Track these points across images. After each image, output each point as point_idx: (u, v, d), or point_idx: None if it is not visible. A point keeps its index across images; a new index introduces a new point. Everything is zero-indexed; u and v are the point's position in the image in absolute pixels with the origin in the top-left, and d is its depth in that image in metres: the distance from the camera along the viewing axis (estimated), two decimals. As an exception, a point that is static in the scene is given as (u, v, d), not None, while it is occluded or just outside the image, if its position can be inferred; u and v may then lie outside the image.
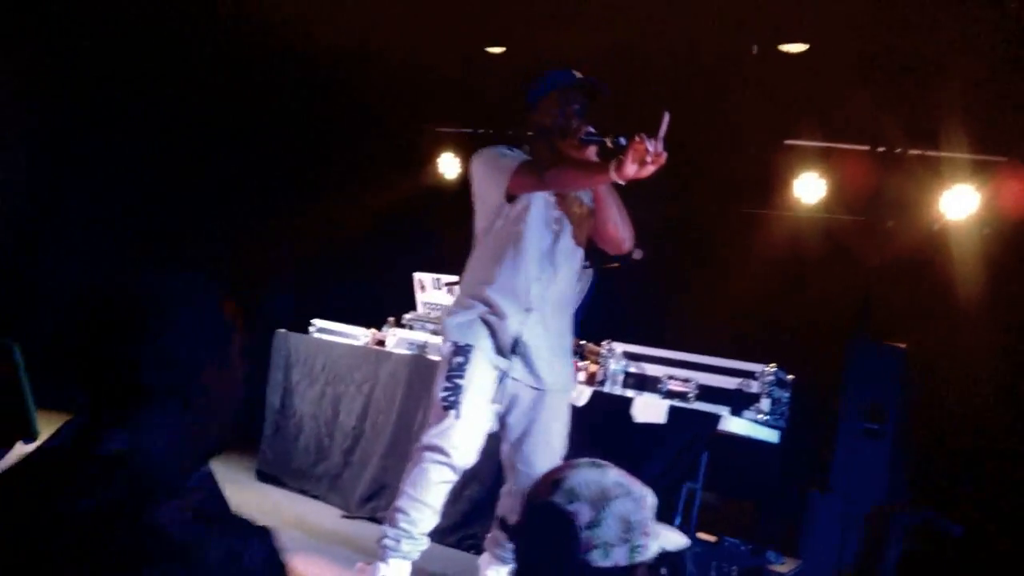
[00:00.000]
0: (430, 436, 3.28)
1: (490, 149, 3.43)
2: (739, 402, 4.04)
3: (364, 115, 7.24)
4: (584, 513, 1.69)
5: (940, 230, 5.86)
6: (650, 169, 2.86)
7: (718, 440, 3.91)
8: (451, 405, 3.25)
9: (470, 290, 3.41)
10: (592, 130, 3.23)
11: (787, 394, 4.20)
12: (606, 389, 4.29)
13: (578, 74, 3.38)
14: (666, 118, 2.82)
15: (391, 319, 5.42)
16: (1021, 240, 5.48)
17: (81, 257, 6.95)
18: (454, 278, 5.21)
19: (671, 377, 4.18)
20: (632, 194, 3.18)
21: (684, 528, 3.80)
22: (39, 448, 1.92)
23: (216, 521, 1.11)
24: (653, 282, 5.99)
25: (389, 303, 5.60)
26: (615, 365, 4.34)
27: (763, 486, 4.68)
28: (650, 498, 1.78)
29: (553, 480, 1.76)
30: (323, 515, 4.84)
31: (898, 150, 5.96)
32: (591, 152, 3.26)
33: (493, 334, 3.32)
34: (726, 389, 4.09)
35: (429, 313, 5.37)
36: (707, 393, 4.11)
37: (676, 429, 3.92)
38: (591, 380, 4.34)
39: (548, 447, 3.34)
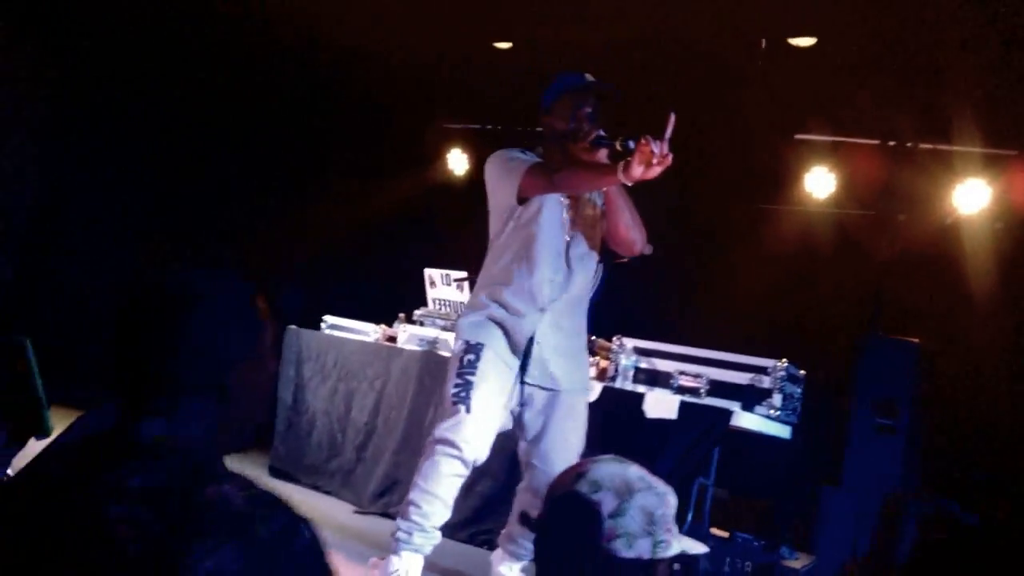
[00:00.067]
0: (441, 430, 3.31)
1: (503, 152, 3.45)
2: (751, 398, 4.03)
3: (374, 111, 7.24)
4: (608, 502, 1.69)
5: (952, 224, 5.84)
6: (657, 170, 2.90)
7: (730, 436, 3.90)
8: (461, 400, 3.27)
9: (484, 291, 3.44)
10: (603, 133, 3.26)
11: (799, 389, 4.19)
12: (617, 385, 4.30)
13: (590, 77, 3.41)
14: (671, 119, 2.85)
15: (402, 315, 5.43)
16: (1034, 235, 5.46)
17: (91, 255, 6.98)
18: (463, 274, 5.22)
19: (682, 372, 4.18)
20: (642, 189, 3.19)
21: (696, 524, 3.80)
22: (60, 441, 1.93)
23: (267, 502, 1.12)
24: (663, 278, 5.99)
25: (399, 299, 5.61)
26: (626, 360, 4.34)
27: (775, 482, 4.67)
28: (671, 497, 1.78)
29: (576, 472, 1.76)
30: (336, 511, 4.85)
31: (909, 144, 5.94)
32: (602, 155, 3.29)
33: (506, 334, 3.35)
34: (737, 384, 4.09)
35: (439, 309, 5.38)
36: (718, 388, 4.10)
37: (687, 425, 3.92)
38: (602, 376, 4.35)
39: (565, 445, 3.37)
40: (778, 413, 4.01)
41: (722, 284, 6.03)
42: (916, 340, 4.93)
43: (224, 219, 7.45)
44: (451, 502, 3.33)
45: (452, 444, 3.26)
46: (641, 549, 1.68)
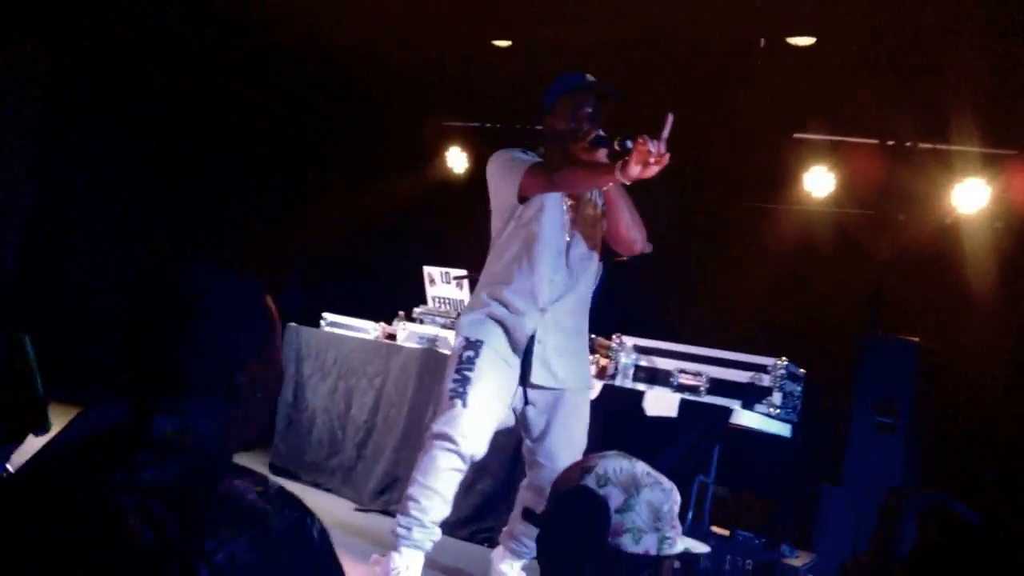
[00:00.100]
0: (438, 424, 3.33)
1: (505, 151, 3.48)
2: (751, 396, 4.04)
3: (373, 110, 7.24)
4: (616, 497, 1.69)
5: (951, 224, 5.85)
6: (654, 170, 2.93)
7: (730, 434, 3.91)
8: (458, 395, 3.30)
9: (486, 289, 3.46)
10: (602, 133, 3.29)
11: (799, 388, 4.20)
12: (617, 382, 4.30)
13: (590, 77, 3.43)
14: (669, 119, 2.88)
15: (401, 313, 5.43)
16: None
17: (91, 255, 6.98)
18: (463, 272, 5.23)
19: (682, 371, 4.19)
20: (642, 189, 3.21)
21: (697, 522, 3.81)
22: (64, 437, 1.93)
23: (279, 497, 1.13)
24: (663, 276, 5.99)
25: (399, 297, 5.61)
26: (626, 359, 4.35)
27: (775, 480, 4.68)
28: (676, 494, 1.78)
29: (583, 467, 1.76)
30: (336, 508, 4.85)
31: (908, 143, 5.95)
32: (601, 154, 3.32)
33: (506, 332, 3.37)
34: (737, 383, 4.10)
35: (439, 307, 5.39)
36: (718, 387, 4.11)
37: (687, 423, 3.92)
38: (602, 374, 4.35)
39: (570, 442, 3.39)
40: (778, 411, 4.01)
41: (722, 283, 6.04)
42: (916, 339, 4.94)
43: (223, 217, 7.44)
44: (450, 497, 3.34)
45: (448, 438, 3.28)
46: (647, 544, 1.68)
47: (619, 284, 3.75)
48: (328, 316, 5.65)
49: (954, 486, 4.73)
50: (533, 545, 3.40)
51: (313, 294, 6.84)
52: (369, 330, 5.44)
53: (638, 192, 3.32)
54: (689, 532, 1.87)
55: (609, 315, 3.96)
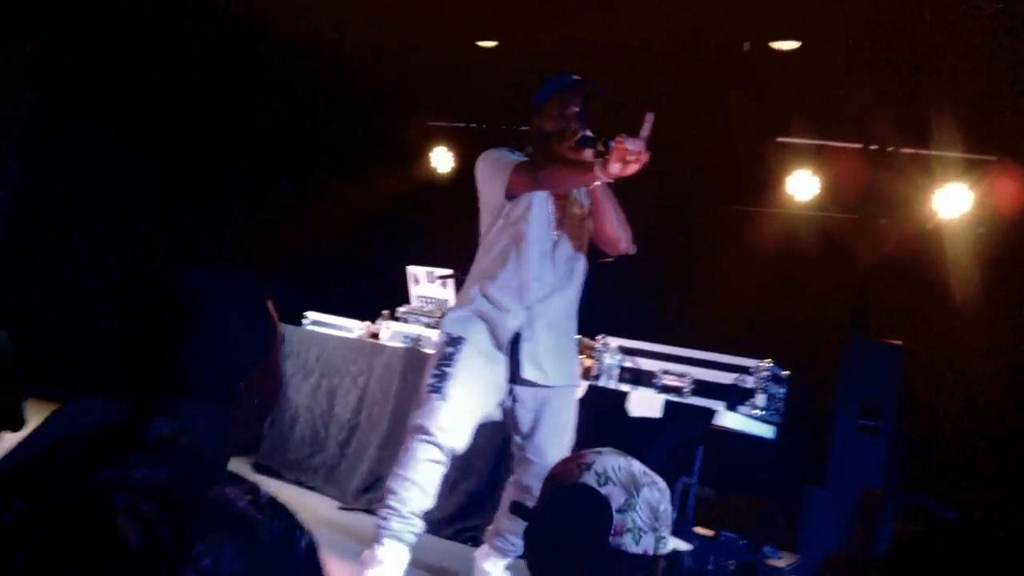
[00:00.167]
0: (416, 417, 3.37)
1: (493, 151, 3.52)
2: (734, 397, 4.06)
3: (358, 109, 7.23)
4: (617, 496, 1.68)
5: (933, 228, 5.89)
6: (633, 168, 2.95)
7: (714, 435, 3.92)
8: (435, 389, 3.33)
9: (473, 286, 3.49)
10: (589, 133, 3.31)
11: (782, 390, 4.22)
12: (601, 383, 4.31)
13: (576, 77, 3.47)
14: (649, 119, 2.92)
15: (385, 312, 5.42)
16: (1014, 239, 5.50)
17: (87, 255, 6.94)
18: (447, 271, 5.23)
19: (666, 372, 4.20)
20: (627, 190, 3.23)
21: (681, 523, 3.81)
22: (38, 433, 1.90)
23: (269, 507, 1.12)
24: (648, 277, 6.00)
25: (383, 296, 5.60)
26: (610, 359, 4.36)
27: (759, 481, 4.70)
28: (668, 493, 1.78)
29: (580, 463, 1.74)
30: (320, 506, 4.84)
31: (891, 148, 5.99)
32: (588, 154, 3.34)
33: (490, 329, 3.40)
34: (721, 384, 4.11)
35: (423, 306, 5.38)
36: (702, 388, 4.13)
37: (671, 424, 3.93)
38: (586, 374, 4.35)
39: (559, 439, 3.42)
40: (762, 413, 4.03)
41: (706, 284, 6.05)
42: (899, 342, 4.97)
43: (207, 215, 7.40)
44: (430, 489, 3.34)
45: (425, 431, 3.30)
46: (646, 544, 1.68)
47: (604, 285, 3.76)
48: (310, 315, 5.63)
49: (935, 486, 4.76)
50: (519, 542, 3.41)
51: (297, 292, 6.81)
52: (352, 329, 5.42)
53: (623, 193, 3.34)
54: (673, 532, 1.87)
55: (594, 316, 3.97)
